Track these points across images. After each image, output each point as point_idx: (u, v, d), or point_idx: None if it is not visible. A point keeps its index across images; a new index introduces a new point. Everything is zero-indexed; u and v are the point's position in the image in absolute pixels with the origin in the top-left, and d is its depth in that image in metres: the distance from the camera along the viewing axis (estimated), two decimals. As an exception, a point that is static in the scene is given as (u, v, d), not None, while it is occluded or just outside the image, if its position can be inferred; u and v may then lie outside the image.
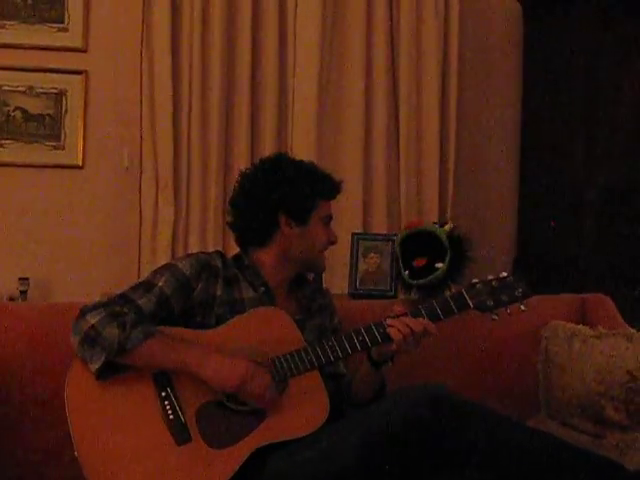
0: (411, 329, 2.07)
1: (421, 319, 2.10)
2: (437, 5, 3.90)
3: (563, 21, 4.03)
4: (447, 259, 2.74)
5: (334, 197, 2.36)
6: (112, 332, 1.98)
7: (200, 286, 2.17)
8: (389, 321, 2.10)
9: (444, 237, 2.77)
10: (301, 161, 2.37)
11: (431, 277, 2.72)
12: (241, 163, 3.57)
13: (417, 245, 2.82)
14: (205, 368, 2.01)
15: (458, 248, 2.79)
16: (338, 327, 2.42)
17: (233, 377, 2.00)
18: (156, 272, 2.18)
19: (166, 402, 2.02)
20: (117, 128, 3.79)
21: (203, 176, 3.69)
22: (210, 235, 3.69)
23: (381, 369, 2.21)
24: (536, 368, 2.74)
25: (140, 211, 3.71)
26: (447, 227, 2.82)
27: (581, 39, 3.92)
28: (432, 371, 2.61)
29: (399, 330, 2.07)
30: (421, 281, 2.74)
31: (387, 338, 2.09)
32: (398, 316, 2.11)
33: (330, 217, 2.35)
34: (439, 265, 2.73)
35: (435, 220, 3.63)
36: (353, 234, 3.08)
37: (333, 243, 2.36)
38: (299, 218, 2.28)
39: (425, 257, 2.78)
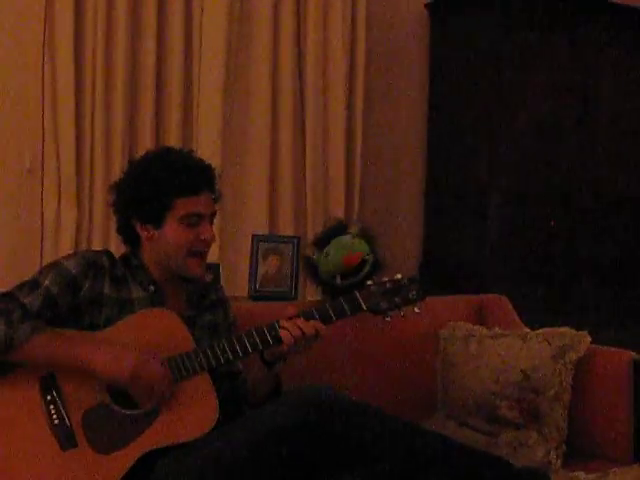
0: (302, 331, 2.05)
1: (313, 321, 2.08)
2: (344, 8, 3.90)
3: (468, 26, 4.11)
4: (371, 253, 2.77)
5: (195, 192, 2.14)
6: None
7: (87, 284, 2.10)
8: (281, 322, 2.08)
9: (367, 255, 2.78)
10: (160, 158, 2.20)
11: (361, 273, 2.73)
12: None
13: None
14: (95, 361, 1.96)
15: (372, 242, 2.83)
16: (232, 324, 2.37)
17: (124, 368, 1.95)
18: (41, 271, 2.12)
19: (51, 406, 1.97)
20: (19, 129, 3.68)
21: (106, 179, 3.61)
22: (113, 240, 3.61)
23: (274, 369, 2.18)
24: (434, 368, 2.77)
25: (42, 214, 3.62)
26: (354, 230, 2.83)
27: (485, 45, 4.00)
28: (331, 372, 2.60)
29: (290, 332, 2.05)
30: (351, 280, 2.73)
31: (278, 340, 2.07)
32: (291, 318, 2.09)
33: (199, 215, 2.14)
34: (366, 257, 2.76)
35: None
36: (253, 236, 3.06)
37: (206, 242, 2.16)
38: (151, 222, 2.14)
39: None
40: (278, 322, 2.09)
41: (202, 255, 2.19)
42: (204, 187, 2.17)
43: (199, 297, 2.30)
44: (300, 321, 2.08)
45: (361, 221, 3.51)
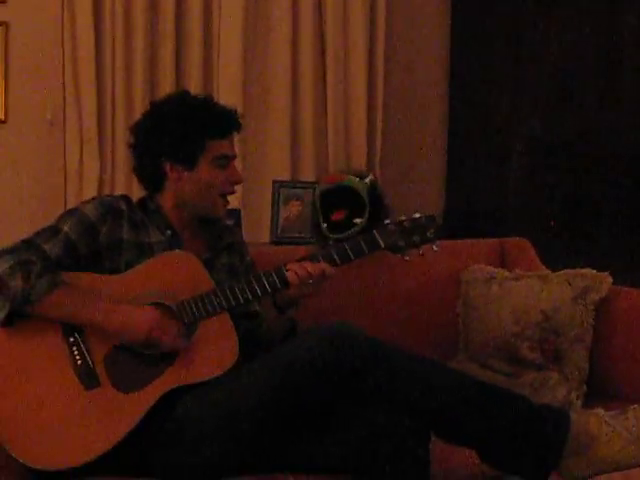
0: (308, 272, 2.05)
1: (319, 263, 2.08)
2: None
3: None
4: (366, 214, 2.74)
5: (227, 135, 2.22)
6: (17, 281, 1.94)
7: (105, 229, 2.12)
8: (288, 265, 2.08)
9: (364, 192, 2.77)
10: (187, 99, 2.26)
11: (348, 232, 2.71)
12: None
13: (337, 197, 2.81)
14: (111, 322, 1.98)
15: (378, 202, 2.80)
16: (250, 265, 2.39)
17: (140, 330, 1.98)
18: (61, 217, 2.14)
19: (74, 347, 2.00)
20: (40, 82, 3.69)
21: (128, 129, 3.62)
22: (136, 191, 3.63)
23: (287, 313, 2.20)
24: (456, 311, 2.77)
25: (65, 166, 3.64)
26: (368, 180, 2.82)
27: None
28: (351, 314, 2.61)
29: (296, 273, 2.05)
30: (339, 235, 2.72)
31: (285, 282, 2.08)
32: (300, 260, 2.09)
33: (227, 157, 2.22)
34: (357, 220, 2.73)
35: (364, 167, 3.65)
36: (274, 181, 3.06)
37: (235, 184, 2.25)
38: (184, 162, 2.18)
39: (344, 210, 2.78)
40: (286, 265, 2.09)
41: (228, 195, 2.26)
42: (234, 129, 2.24)
43: (216, 239, 2.31)
44: (307, 263, 2.08)
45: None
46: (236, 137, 2.32)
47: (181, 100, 2.26)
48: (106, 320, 1.99)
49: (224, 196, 2.24)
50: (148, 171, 2.25)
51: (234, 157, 2.26)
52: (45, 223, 3.56)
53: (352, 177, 2.83)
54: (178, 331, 2.02)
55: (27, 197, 3.69)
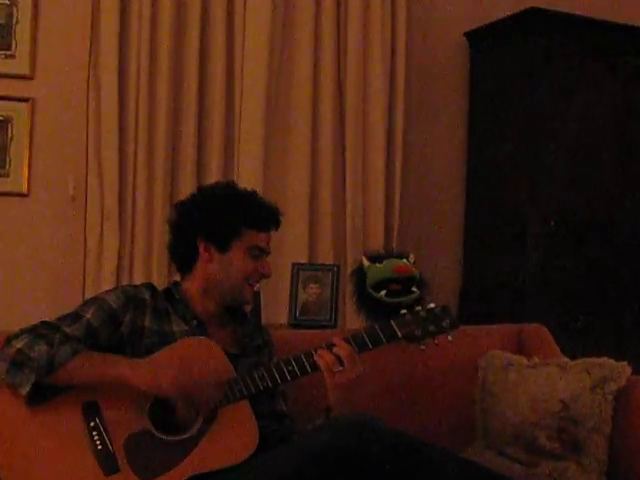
0: (336, 355, 2.07)
1: (345, 345, 2.09)
2: (383, 38, 3.94)
3: (507, 54, 4.12)
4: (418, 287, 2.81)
5: (266, 229, 2.30)
6: (40, 350, 1.97)
7: (127, 318, 2.15)
8: (319, 351, 2.10)
9: (416, 272, 2.83)
10: (234, 188, 2.35)
11: (407, 298, 2.75)
12: (186, 193, 3.54)
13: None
14: (138, 376, 1.98)
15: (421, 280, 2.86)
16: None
17: (167, 378, 1.97)
18: (83, 305, 2.18)
19: (94, 432, 2.01)
20: (63, 156, 3.76)
21: (148, 206, 3.68)
22: (154, 266, 3.67)
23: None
24: (473, 398, 2.76)
25: (85, 240, 3.68)
26: (411, 259, 2.89)
27: (524, 73, 4.01)
28: (369, 402, 2.59)
29: (323, 357, 2.07)
30: (398, 299, 2.76)
31: (315, 367, 2.09)
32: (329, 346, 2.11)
33: (261, 249, 2.28)
34: (414, 289, 2.78)
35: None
36: (293, 264, 3.10)
37: (264, 277, 2.31)
38: (218, 244, 2.24)
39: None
40: (315, 350, 2.10)
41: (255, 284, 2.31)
42: (272, 226, 2.32)
43: (247, 340, 2.34)
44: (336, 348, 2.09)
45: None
46: None
47: (228, 187, 2.34)
48: (132, 374, 1.99)
49: (252, 284, 2.29)
50: (182, 248, 2.30)
51: (268, 253, 2.32)
52: (63, 297, 3.67)
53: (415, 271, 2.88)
54: (205, 378, 2.02)
55: (46, 270, 3.73)
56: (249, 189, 2.38)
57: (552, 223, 3.97)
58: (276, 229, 2.35)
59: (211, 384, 2.03)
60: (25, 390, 1.97)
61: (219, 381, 2.06)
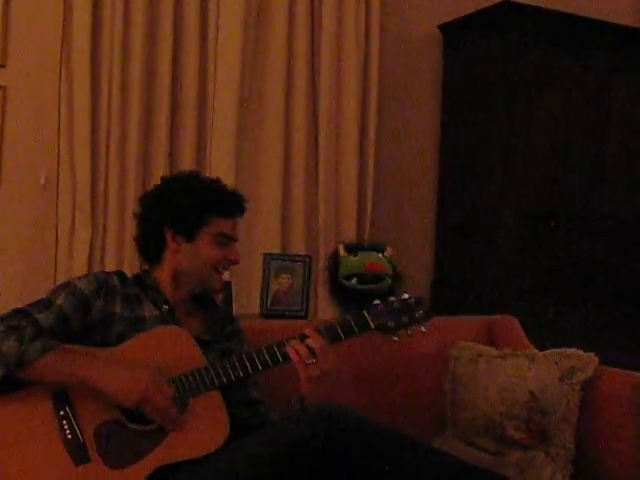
0: (308, 347, 2.08)
1: (318, 337, 2.10)
2: (357, 32, 3.94)
3: (481, 47, 4.14)
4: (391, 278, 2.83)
5: (231, 215, 2.31)
6: (10, 346, 1.95)
7: (98, 304, 2.15)
8: (292, 342, 2.10)
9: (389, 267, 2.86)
10: (198, 177, 2.35)
11: (378, 285, 2.78)
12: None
13: None
14: (105, 383, 1.98)
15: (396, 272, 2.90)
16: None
17: (134, 392, 1.97)
18: (54, 291, 2.17)
19: (64, 421, 2.00)
20: (35, 145, 3.73)
21: (120, 197, 3.66)
22: (127, 256, 3.65)
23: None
24: (443, 388, 2.78)
25: (56, 231, 3.66)
26: (387, 252, 2.91)
27: (498, 66, 4.03)
28: (340, 392, 2.60)
29: (295, 350, 2.08)
30: (370, 286, 2.78)
31: (287, 357, 2.09)
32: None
33: (228, 236, 2.29)
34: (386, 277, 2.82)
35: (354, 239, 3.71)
36: (265, 254, 3.09)
37: (232, 263, 2.32)
38: (185, 233, 2.25)
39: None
40: (287, 340, 2.11)
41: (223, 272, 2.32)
42: (238, 212, 2.33)
43: (218, 327, 2.36)
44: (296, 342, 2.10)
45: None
46: None
47: (191, 177, 2.34)
48: (100, 381, 1.97)
49: (220, 271, 2.29)
50: (149, 240, 2.30)
51: (235, 240, 2.32)
52: (34, 286, 3.65)
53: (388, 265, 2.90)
54: (173, 397, 2.02)
55: (17, 261, 3.70)
56: (213, 177, 2.39)
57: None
58: (241, 215, 2.35)
59: (173, 401, 2.01)
60: None
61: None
